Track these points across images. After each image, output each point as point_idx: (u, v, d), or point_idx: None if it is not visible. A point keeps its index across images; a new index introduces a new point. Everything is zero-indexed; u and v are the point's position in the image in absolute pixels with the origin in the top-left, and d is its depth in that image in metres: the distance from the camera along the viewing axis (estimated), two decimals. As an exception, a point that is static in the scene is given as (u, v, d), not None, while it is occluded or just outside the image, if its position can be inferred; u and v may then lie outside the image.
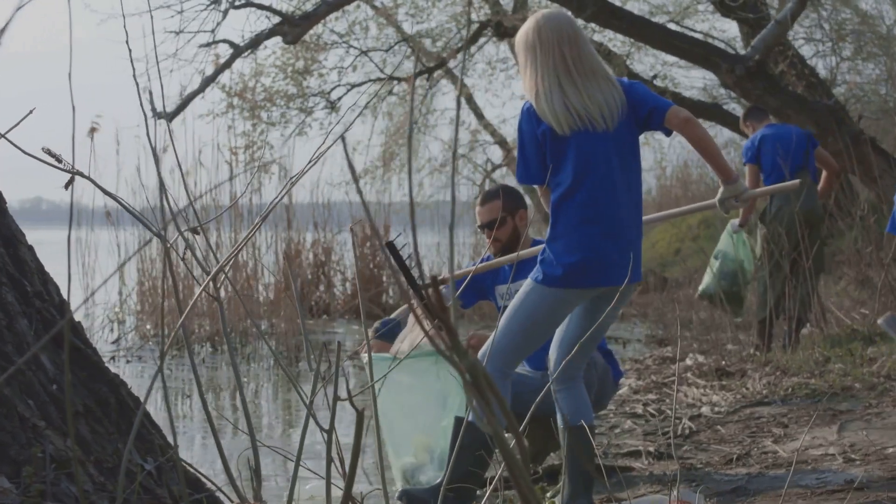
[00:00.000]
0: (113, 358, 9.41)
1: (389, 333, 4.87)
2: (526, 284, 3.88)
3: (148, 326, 10.76)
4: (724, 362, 7.45)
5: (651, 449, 5.14)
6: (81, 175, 2.06)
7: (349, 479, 1.47)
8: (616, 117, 3.85)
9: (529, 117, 3.87)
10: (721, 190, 4.03)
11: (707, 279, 8.35)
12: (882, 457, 4.40)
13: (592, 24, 10.74)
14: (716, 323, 9.70)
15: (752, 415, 5.82)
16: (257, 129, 12.30)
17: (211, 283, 1.89)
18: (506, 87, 30.04)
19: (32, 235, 2.81)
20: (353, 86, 12.83)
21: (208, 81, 10.52)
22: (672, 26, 12.53)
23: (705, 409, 6.12)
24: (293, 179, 1.87)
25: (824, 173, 7.96)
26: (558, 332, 3.92)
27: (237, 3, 10.28)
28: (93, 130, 11.92)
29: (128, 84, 2.38)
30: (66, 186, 2.16)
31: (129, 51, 2.27)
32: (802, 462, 4.57)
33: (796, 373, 6.68)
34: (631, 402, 6.78)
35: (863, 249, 8.72)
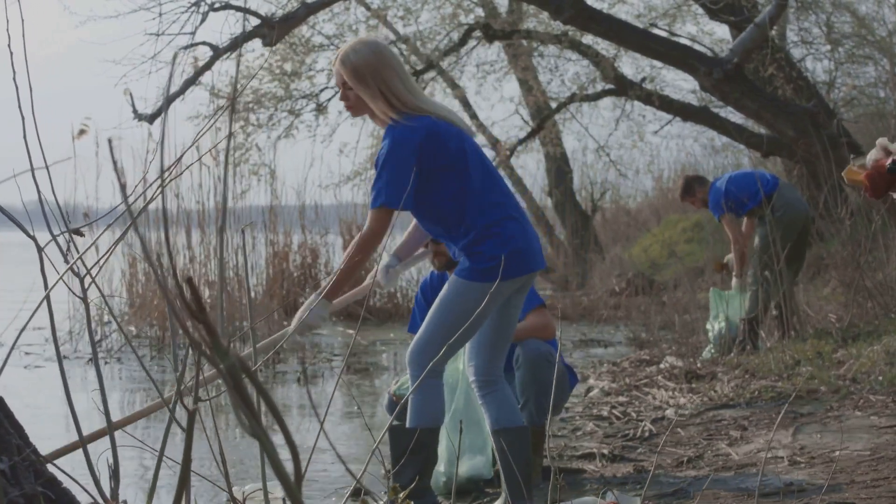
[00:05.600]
0: (90, 360, 9.41)
1: None
2: (454, 284, 3.82)
3: (132, 328, 10.77)
4: (696, 365, 7.44)
5: (605, 451, 5.14)
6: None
7: (182, 478, 1.48)
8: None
9: (431, 138, 3.78)
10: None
11: (708, 347, 8.36)
12: (828, 460, 4.40)
13: (572, 28, 10.73)
14: (697, 327, 9.68)
15: (713, 417, 5.81)
16: (245, 130, 12.32)
17: (79, 285, 1.90)
18: (496, 90, 30.67)
19: (24, 237, 2.76)
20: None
21: (188, 83, 10.55)
22: (660, 30, 12.49)
23: (669, 412, 6.11)
24: (163, 185, 1.87)
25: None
26: (473, 339, 3.90)
27: (216, 6, 10.31)
28: (81, 133, 11.95)
29: (107, 87, 2.38)
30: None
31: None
32: (751, 465, 4.56)
33: (764, 376, 6.67)
34: (599, 405, 6.77)
35: (846, 252, 8.68)
